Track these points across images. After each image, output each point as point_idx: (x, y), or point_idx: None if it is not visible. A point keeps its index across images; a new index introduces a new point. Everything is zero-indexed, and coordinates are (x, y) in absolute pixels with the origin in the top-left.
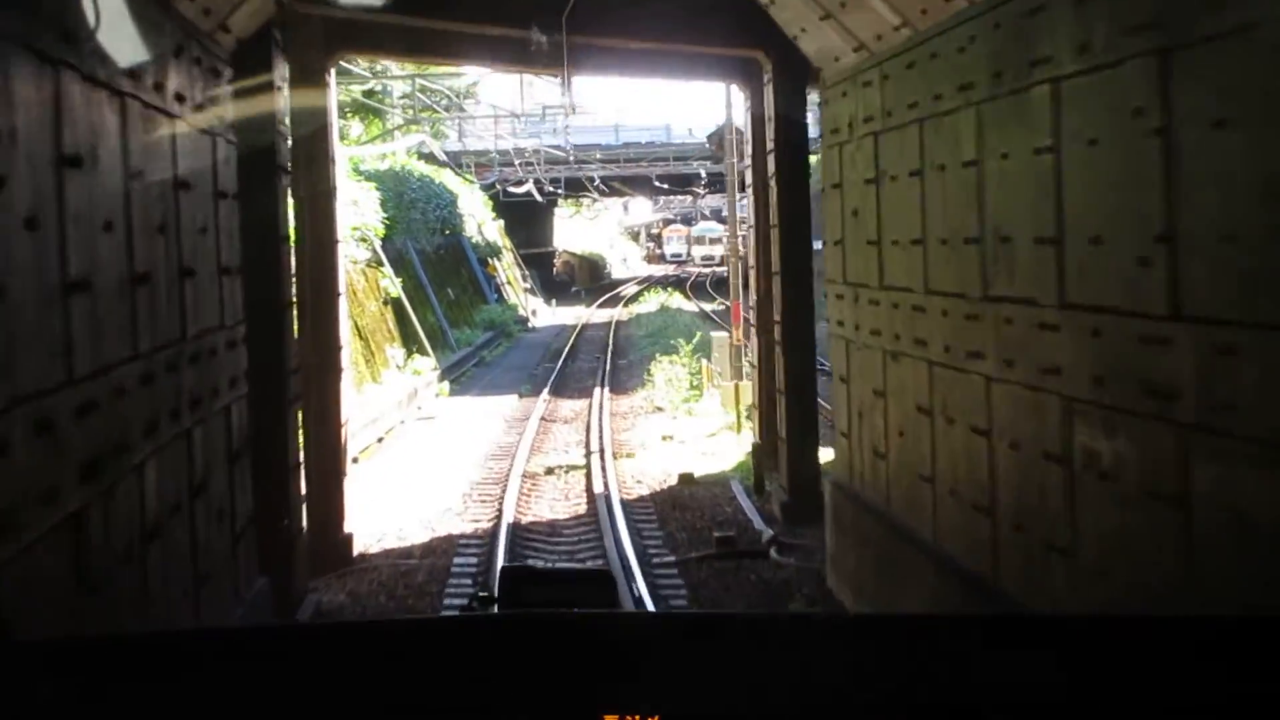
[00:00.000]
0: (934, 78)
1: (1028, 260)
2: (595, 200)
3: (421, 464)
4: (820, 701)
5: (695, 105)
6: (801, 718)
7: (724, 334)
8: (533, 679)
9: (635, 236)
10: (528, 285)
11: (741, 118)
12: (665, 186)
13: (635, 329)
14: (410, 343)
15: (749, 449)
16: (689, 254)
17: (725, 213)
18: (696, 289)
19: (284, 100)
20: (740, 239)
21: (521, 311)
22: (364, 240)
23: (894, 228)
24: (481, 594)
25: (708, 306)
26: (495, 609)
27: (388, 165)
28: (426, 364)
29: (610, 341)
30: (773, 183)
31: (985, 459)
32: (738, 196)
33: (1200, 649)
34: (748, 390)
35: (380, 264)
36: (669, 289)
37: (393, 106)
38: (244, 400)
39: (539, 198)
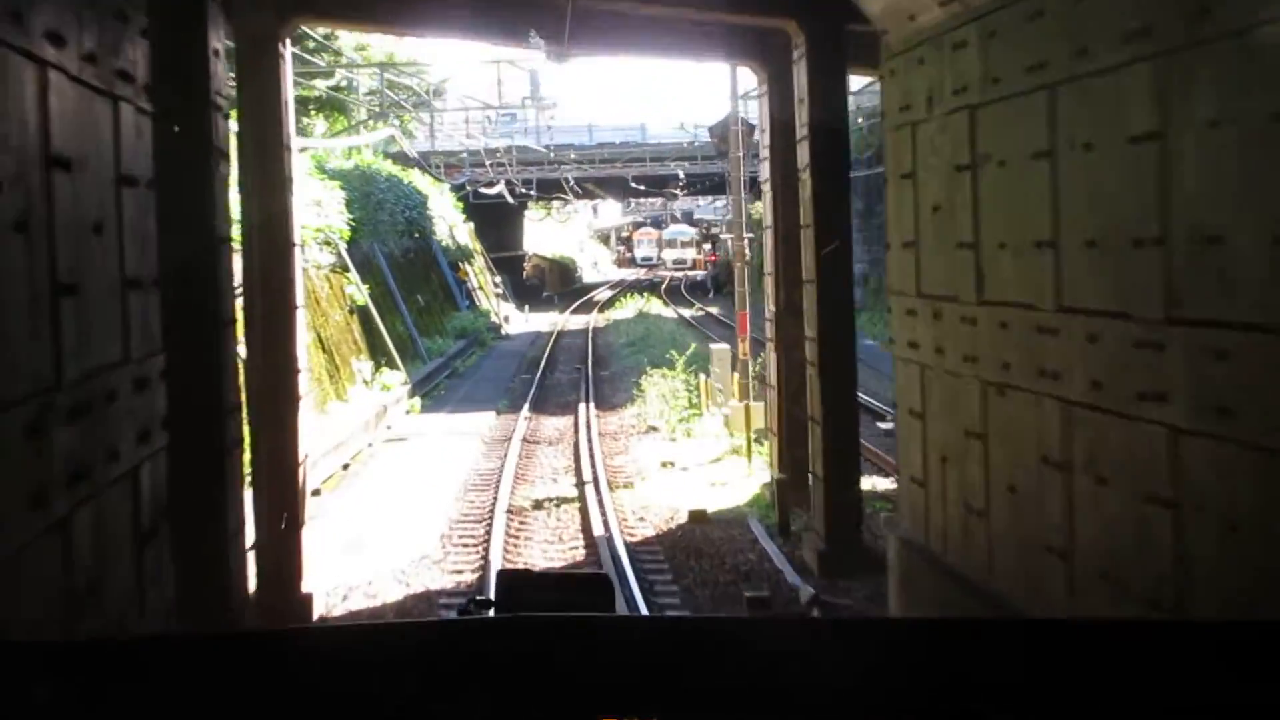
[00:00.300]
0: (1079, 28)
1: (1257, 266)
2: (566, 203)
3: (393, 497)
4: (819, 705)
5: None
6: None
7: (724, 347)
8: (529, 683)
9: (605, 240)
10: (499, 290)
11: (756, 106)
12: (641, 188)
13: (614, 337)
14: (378, 355)
15: (764, 480)
16: (660, 257)
17: (698, 215)
18: (672, 294)
19: (222, 67)
20: (746, 242)
21: (494, 318)
22: (328, 244)
23: (1002, 227)
24: (478, 598)
25: (686, 312)
26: (492, 613)
27: (353, 164)
28: (396, 378)
29: (589, 350)
30: (805, 175)
31: (1168, 538)
32: (745, 196)
33: (1205, 653)
34: (760, 413)
35: (346, 269)
36: (644, 294)
37: (358, 102)
38: (161, 457)
39: (510, 199)
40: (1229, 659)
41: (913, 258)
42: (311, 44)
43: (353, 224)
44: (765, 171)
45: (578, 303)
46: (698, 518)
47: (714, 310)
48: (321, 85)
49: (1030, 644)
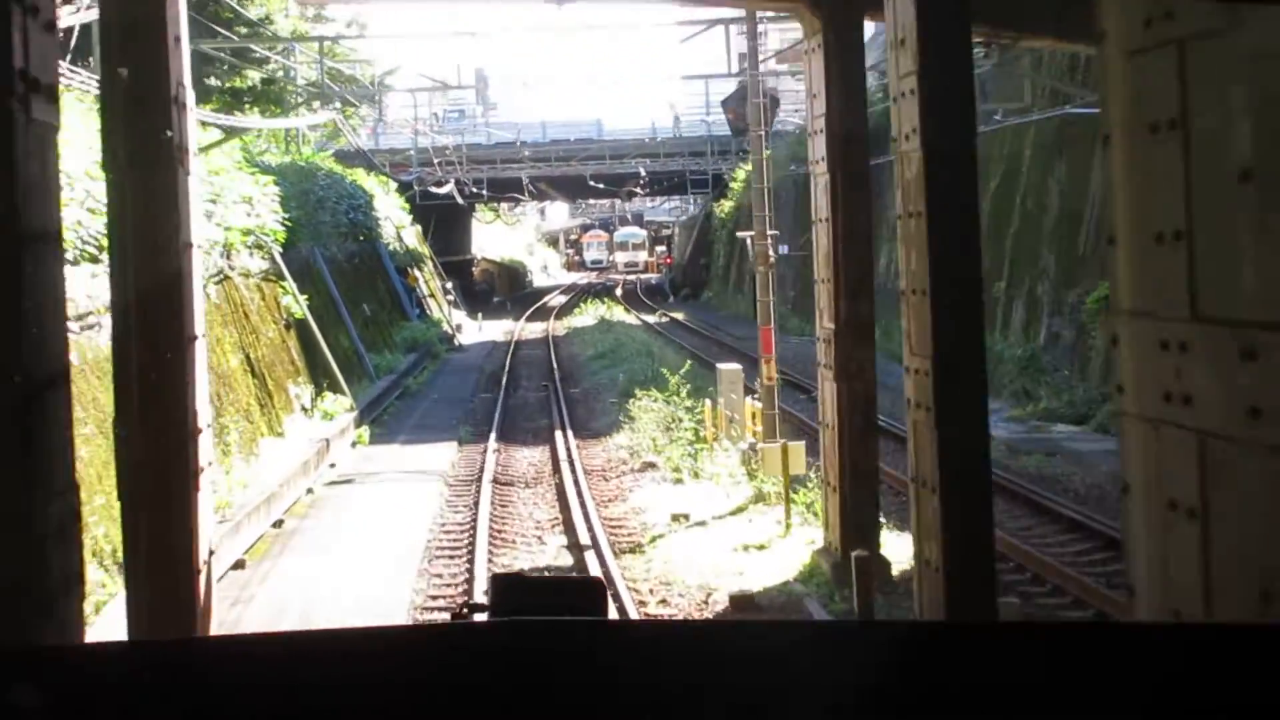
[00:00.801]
0: None
1: None
2: (516, 205)
3: (336, 572)
4: (816, 710)
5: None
6: None
7: (734, 368)
8: (523, 687)
9: (554, 243)
10: (451, 297)
11: (812, 66)
12: (600, 186)
13: (579, 348)
14: (320, 376)
15: (808, 539)
16: (610, 260)
17: (648, 218)
18: (630, 298)
19: None
20: (750, 239)
21: (446, 328)
22: (259, 248)
23: None
24: (471, 602)
25: (649, 318)
26: (485, 617)
27: (290, 159)
28: (340, 404)
29: (553, 363)
30: (909, 141)
31: None
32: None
33: (1209, 657)
34: (800, 455)
35: (281, 277)
36: (602, 299)
37: (296, 91)
38: None
39: (460, 199)
40: (1228, 663)
41: (1181, 257)
42: (244, 29)
43: (289, 225)
44: (818, 149)
45: (532, 309)
46: (742, 603)
47: (679, 316)
48: (255, 76)
49: (1026, 647)
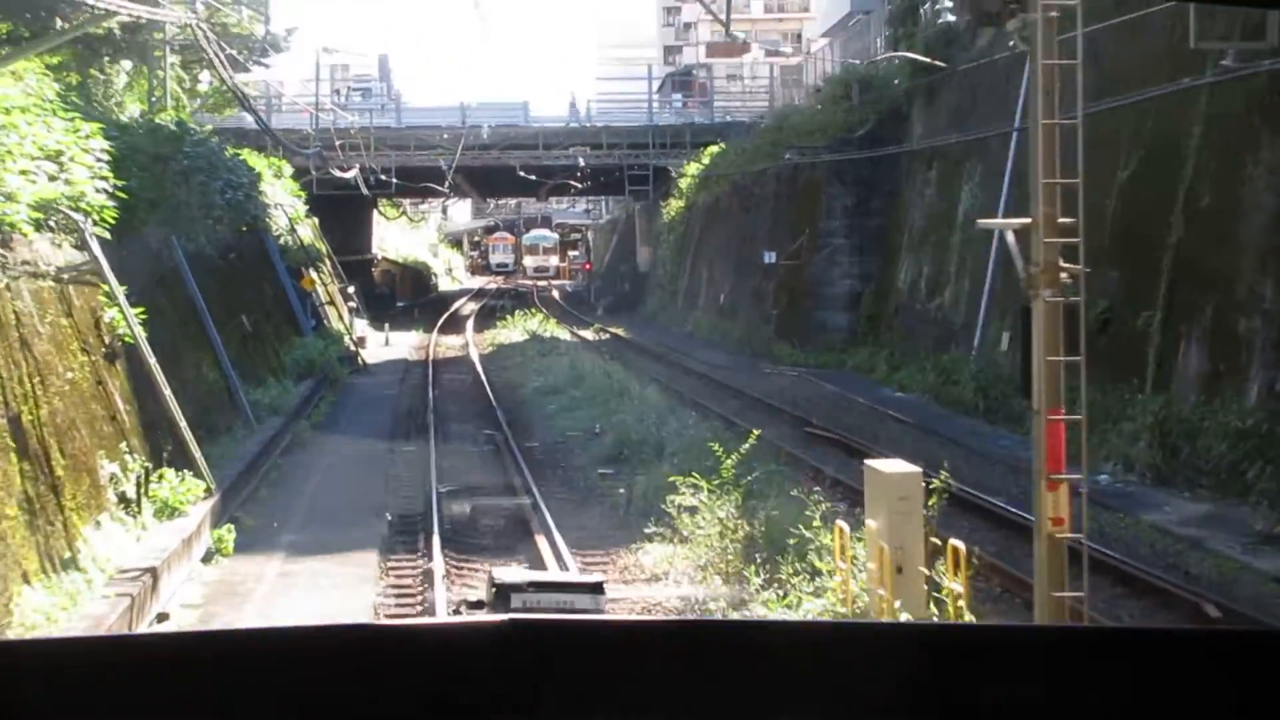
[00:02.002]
0: None
1: None
2: (421, 201)
3: None
4: (813, 710)
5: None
6: None
7: (902, 469)
8: (522, 685)
9: (457, 244)
10: (353, 304)
11: None
12: (532, 178)
13: (517, 375)
14: (160, 437)
15: None
16: (518, 264)
17: (558, 220)
18: (550, 306)
19: None
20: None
21: (348, 343)
22: (68, 230)
23: None
24: (470, 599)
25: (586, 334)
26: (484, 614)
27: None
28: (190, 487)
29: (491, 399)
30: None
31: None
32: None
33: (1210, 662)
34: None
35: (99, 277)
36: (525, 309)
37: (164, 43)
38: None
39: (365, 190)
40: (1238, 669)
41: None
42: None
43: (124, 198)
44: None
45: (444, 318)
46: None
47: (621, 332)
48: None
49: (1034, 652)
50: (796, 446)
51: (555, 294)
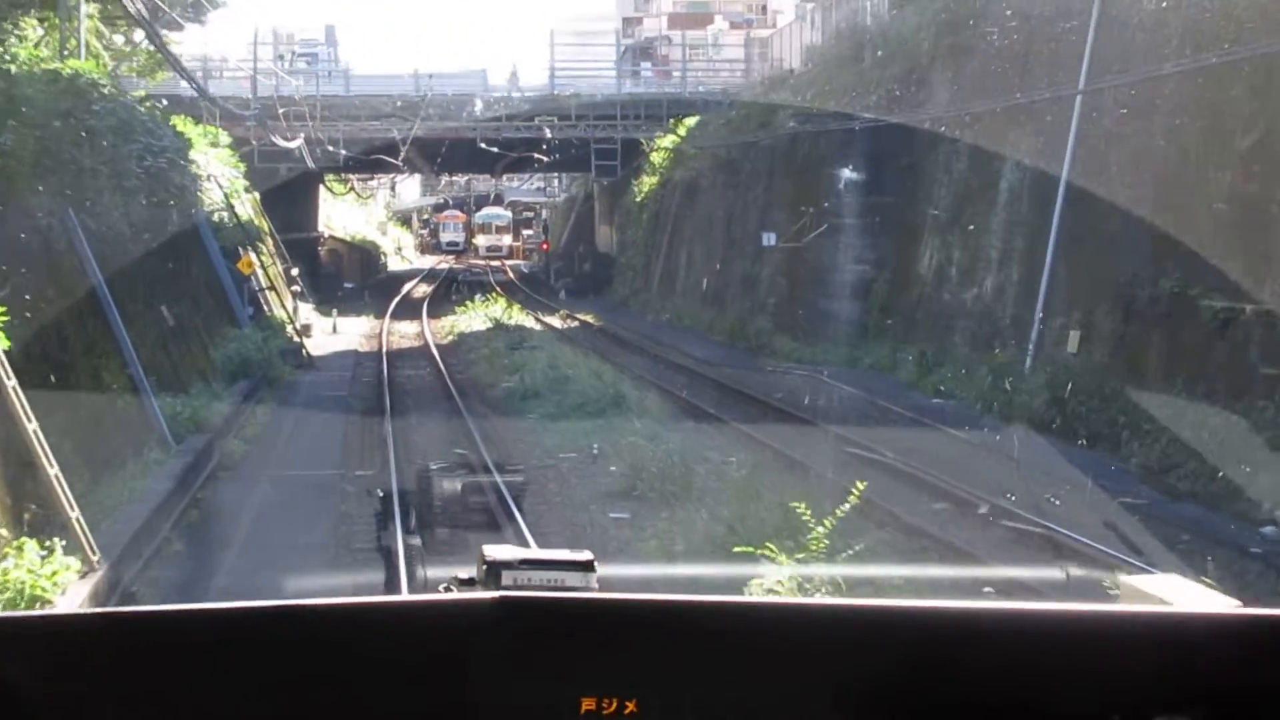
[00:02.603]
0: None
1: None
2: (370, 177)
3: None
4: (797, 691)
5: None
6: (778, 706)
7: (1168, 581)
8: (512, 662)
9: (405, 222)
10: (297, 288)
11: None
12: (495, 151)
13: (486, 373)
14: (20, 493)
15: None
16: (470, 243)
17: (511, 197)
18: (509, 288)
19: None
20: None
21: (291, 332)
22: None
23: None
24: (461, 576)
25: (554, 321)
26: (475, 591)
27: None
28: (59, 567)
29: (458, 402)
30: None
31: None
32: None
33: (1211, 643)
34: None
35: None
36: (482, 291)
37: None
38: None
39: (311, 163)
40: (1238, 650)
41: None
42: None
43: None
44: None
45: (395, 301)
46: None
47: (591, 319)
48: None
49: (1015, 631)
50: (842, 473)
51: (511, 274)
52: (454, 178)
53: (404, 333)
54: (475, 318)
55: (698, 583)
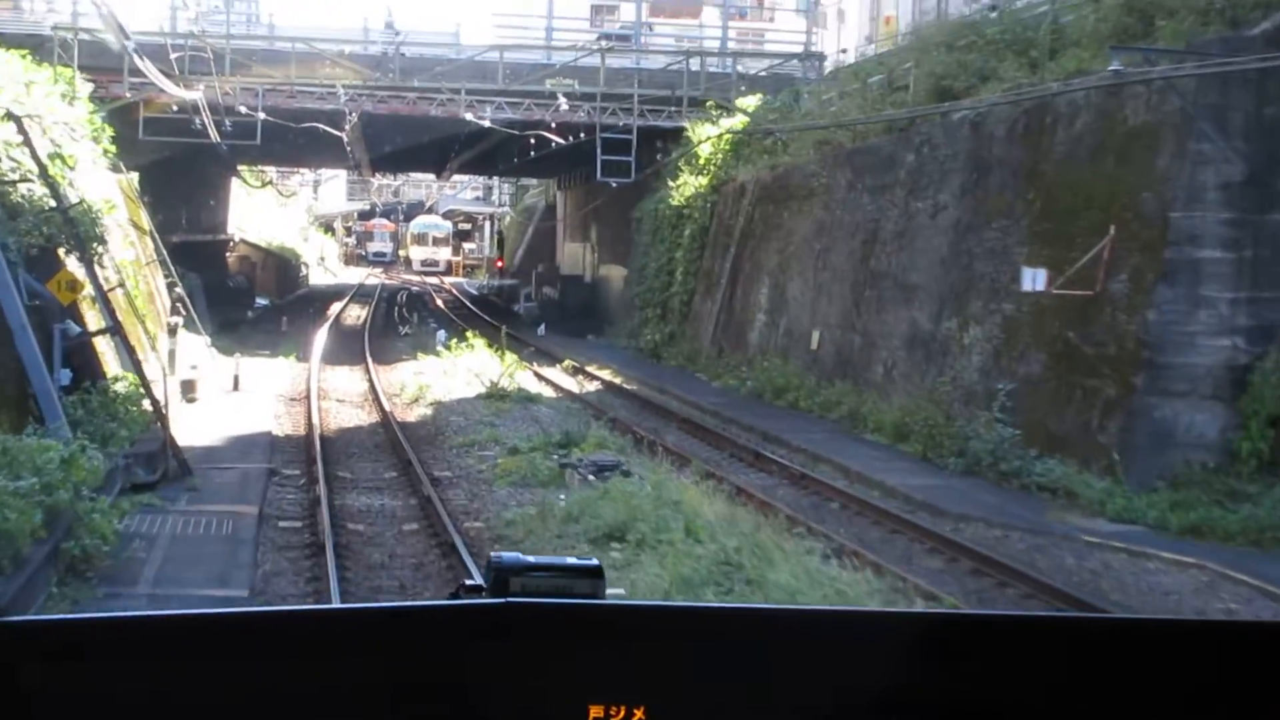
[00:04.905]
0: None
1: None
2: (291, 173)
3: None
4: (806, 698)
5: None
6: (787, 713)
7: None
8: (519, 669)
9: (328, 229)
10: (178, 318)
11: None
12: (485, 123)
13: (539, 527)
14: None
15: None
16: (396, 255)
17: (450, 206)
18: (466, 317)
19: None
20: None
21: (149, 417)
22: None
23: None
24: (468, 583)
25: (566, 383)
26: (482, 598)
27: None
28: None
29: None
30: None
31: None
32: None
33: (1215, 652)
34: None
35: None
36: (447, 328)
37: None
38: None
39: (215, 136)
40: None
41: None
42: None
43: None
44: None
45: (324, 330)
46: None
47: (620, 380)
48: None
49: (1041, 640)
50: None
51: (456, 293)
52: (386, 180)
53: (344, 393)
54: (448, 368)
55: None
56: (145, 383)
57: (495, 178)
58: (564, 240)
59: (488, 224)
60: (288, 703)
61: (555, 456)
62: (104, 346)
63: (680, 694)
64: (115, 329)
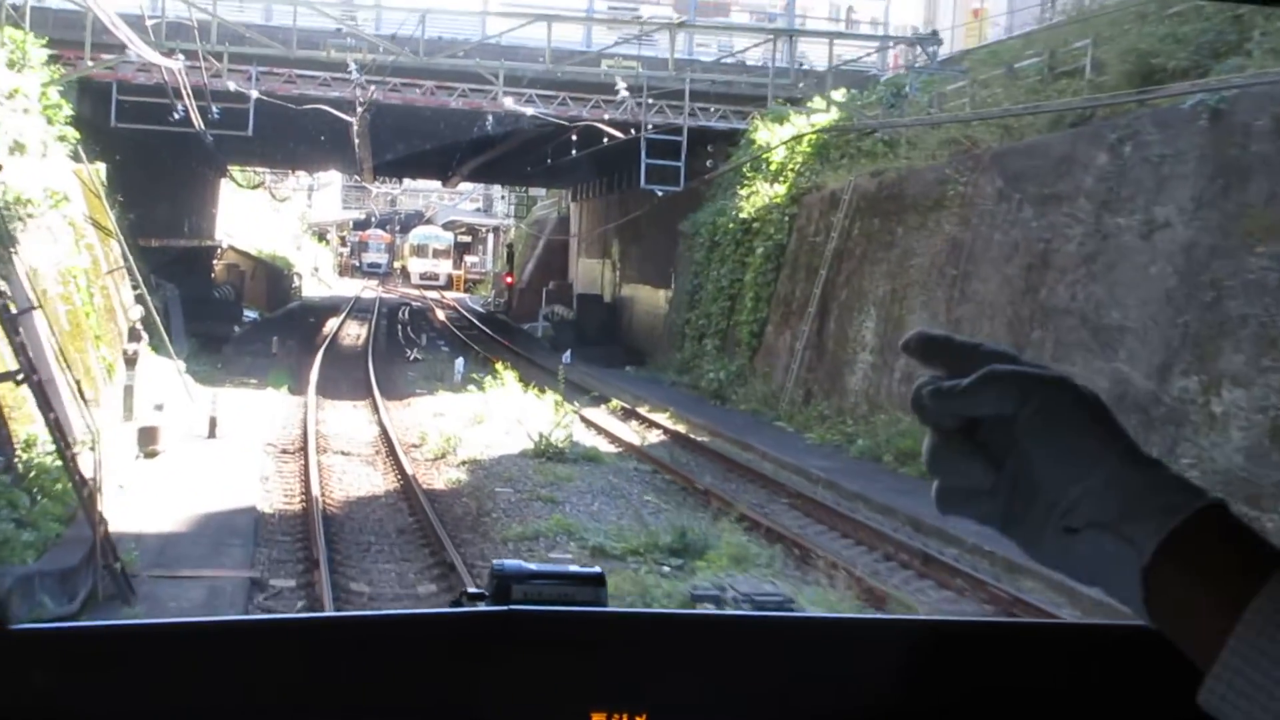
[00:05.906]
0: None
1: None
2: (286, 174)
3: None
4: (809, 705)
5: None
6: None
7: None
8: (521, 677)
9: (322, 237)
10: (135, 345)
11: None
12: (529, 114)
13: None
14: None
15: None
16: (391, 266)
17: (450, 217)
18: (479, 339)
19: None
20: None
21: (93, 461)
22: None
23: None
24: (470, 590)
25: (622, 430)
26: (484, 605)
27: None
28: None
29: None
30: None
31: None
32: None
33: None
34: None
35: None
36: (466, 355)
37: None
38: None
39: (200, 123)
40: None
41: None
42: None
43: None
44: None
45: (320, 353)
46: None
47: (692, 433)
48: None
49: (1051, 647)
50: None
51: (461, 310)
52: (383, 187)
53: (349, 442)
54: (477, 408)
55: None
56: (66, 451)
57: (501, 187)
58: (579, 255)
59: (491, 236)
60: (289, 712)
61: (666, 568)
62: (15, 397)
63: (682, 701)
64: (27, 372)
